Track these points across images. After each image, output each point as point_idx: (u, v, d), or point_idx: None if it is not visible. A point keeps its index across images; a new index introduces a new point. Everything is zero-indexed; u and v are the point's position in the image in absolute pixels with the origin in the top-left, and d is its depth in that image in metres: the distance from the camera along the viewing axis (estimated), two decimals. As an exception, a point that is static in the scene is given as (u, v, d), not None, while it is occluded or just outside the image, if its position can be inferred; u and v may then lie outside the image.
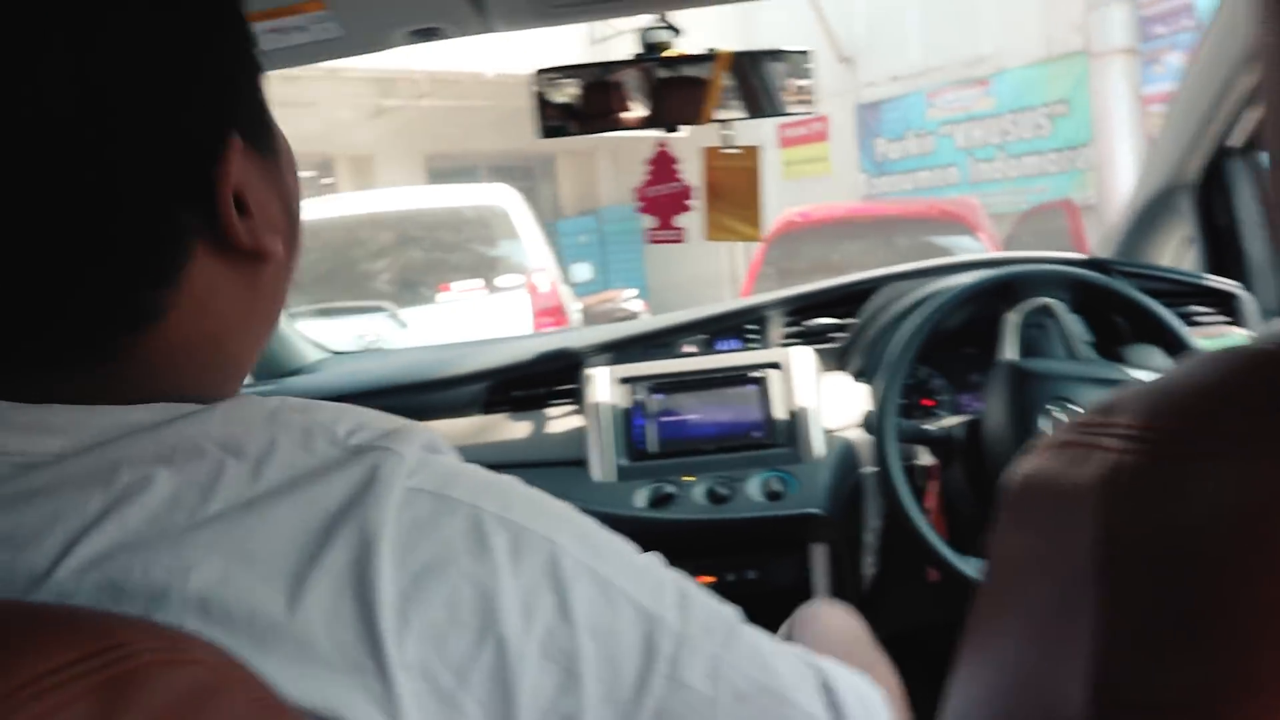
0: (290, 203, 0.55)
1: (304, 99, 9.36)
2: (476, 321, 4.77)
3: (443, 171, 11.28)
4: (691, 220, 1.42)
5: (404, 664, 0.42)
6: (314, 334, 2.11)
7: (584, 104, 1.46)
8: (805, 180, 10.02)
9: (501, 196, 5.58)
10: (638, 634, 0.48)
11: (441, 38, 1.26)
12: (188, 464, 0.43)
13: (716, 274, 10.38)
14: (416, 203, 5.83)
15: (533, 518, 0.48)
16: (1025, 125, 8.79)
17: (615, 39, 9.17)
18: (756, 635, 0.55)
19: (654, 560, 0.54)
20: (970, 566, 1.36)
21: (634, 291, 8.58)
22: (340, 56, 1.29)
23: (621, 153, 11.79)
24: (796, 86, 1.38)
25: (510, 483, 0.50)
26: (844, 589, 1.57)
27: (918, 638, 1.68)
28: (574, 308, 5.51)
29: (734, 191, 1.37)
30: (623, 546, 0.52)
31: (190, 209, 0.48)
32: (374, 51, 1.28)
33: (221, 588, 0.41)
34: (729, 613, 0.54)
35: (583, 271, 6.96)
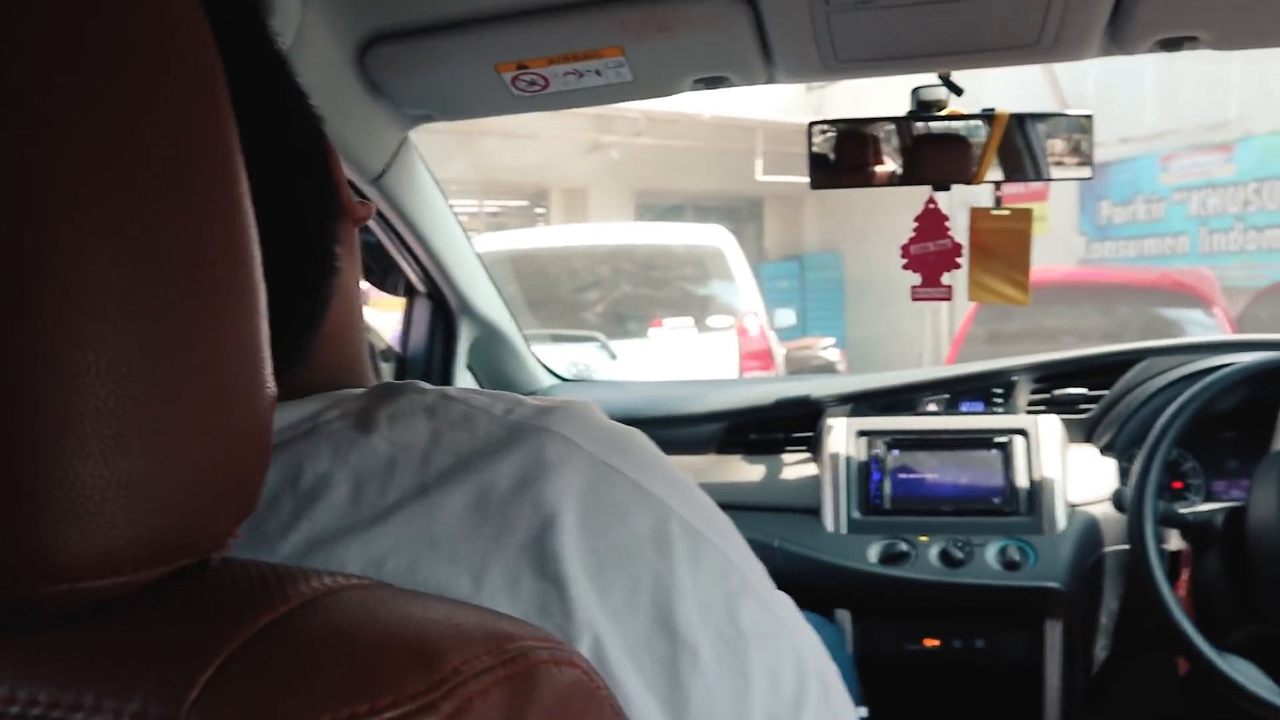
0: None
1: (526, 131, 9.72)
2: (685, 359, 4.83)
3: (651, 208, 11.50)
4: (953, 279, 1.40)
5: (580, 635, 0.43)
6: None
7: (840, 156, 1.47)
8: (1020, 240, 9.68)
9: (717, 237, 5.64)
10: (792, 660, 0.50)
11: (726, 86, 1.30)
12: (363, 461, 0.46)
13: (919, 332, 10.15)
14: (632, 238, 5.96)
15: (711, 527, 0.50)
16: (1271, 195, 8.23)
17: (830, 86, 9.14)
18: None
19: (789, 599, 0.55)
20: (1228, 663, 1.28)
21: (831, 340, 8.51)
22: (626, 100, 1.34)
23: (828, 201, 11.74)
24: (1073, 149, 1.36)
25: (689, 482, 0.52)
26: (1073, 669, 1.51)
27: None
28: (781, 353, 5.51)
29: (1002, 253, 1.35)
30: (768, 576, 0.54)
31: (329, 204, 0.55)
32: (658, 96, 1.33)
33: (411, 573, 0.43)
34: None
35: (786, 317, 6.94)
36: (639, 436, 0.52)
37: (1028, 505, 1.53)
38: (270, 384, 0.37)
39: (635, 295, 5.64)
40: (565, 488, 0.45)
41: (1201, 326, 5.73)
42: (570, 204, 11.30)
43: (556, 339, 4.72)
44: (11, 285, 0.28)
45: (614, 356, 4.72)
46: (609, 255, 5.69)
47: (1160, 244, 8.99)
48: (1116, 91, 8.85)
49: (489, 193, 11.14)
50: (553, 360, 2.22)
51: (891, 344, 9.95)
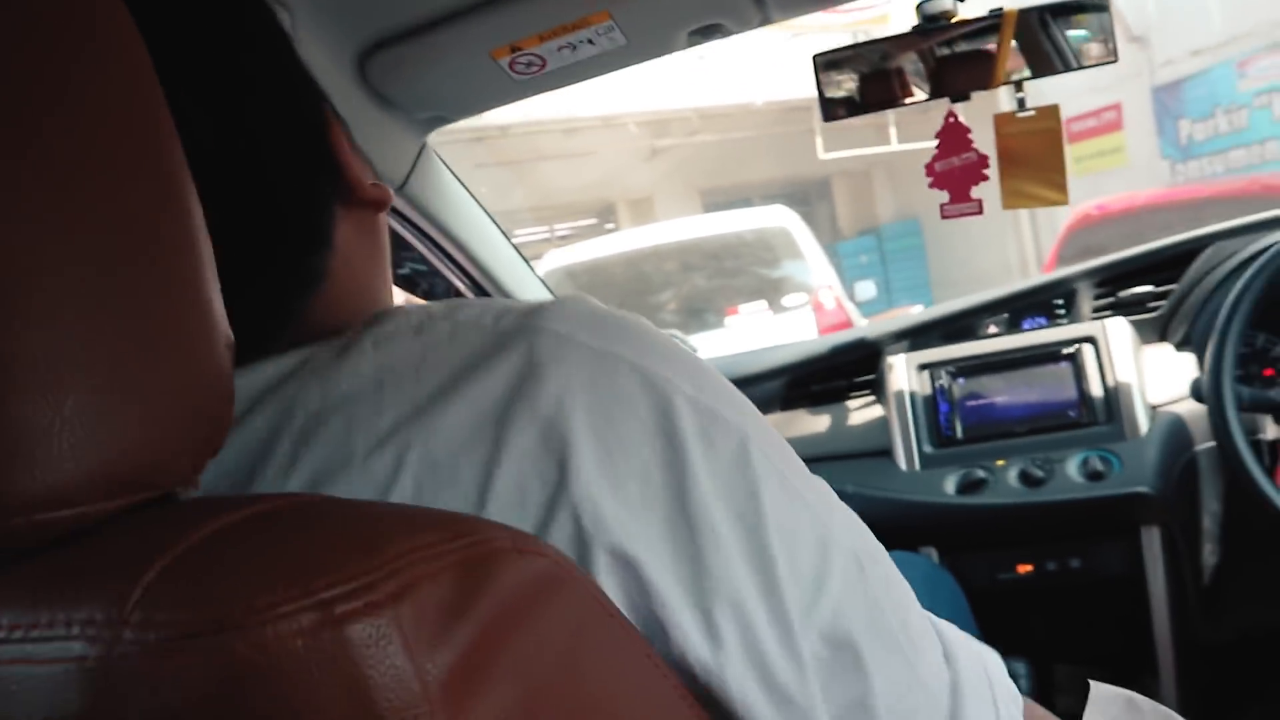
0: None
1: (583, 149, 9.82)
2: (763, 342, 4.79)
3: (719, 205, 11.47)
4: (988, 193, 1.36)
5: (596, 537, 0.42)
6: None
7: (864, 95, 1.44)
8: (1099, 175, 9.37)
9: (780, 217, 5.60)
10: (813, 536, 0.47)
11: (722, 35, 1.28)
12: (352, 389, 0.45)
13: (1007, 278, 9.92)
14: (697, 231, 5.94)
15: (727, 405, 0.47)
16: (1359, 86, 7.82)
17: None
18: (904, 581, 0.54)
19: (823, 482, 0.53)
20: None
21: (919, 307, 8.35)
22: (625, 66, 1.33)
23: (898, 169, 11.57)
24: (1096, 36, 1.31)
25: (700, 361, 0.49)
26: (1181, 579, 1.45)
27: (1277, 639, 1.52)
28: (861, 324, 5.43)
29: (1033, 156, 1.30)
30: (795, 455, 0.51)
31: (324, 178, 0.55)
32: (657, 57, 1.32)
33: (417, 499, 0.42)
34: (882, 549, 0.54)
35: (866, 290, 6.83)
36: (640, 320, 0.49)
37: (1105, 413, 1.47)
38: (224, 328, 0.38)
39: (707, 288, 5.62)
40: (564, 384, 0.44)
41: (1301, 229, 5.46)
42: (637, 213, 11.34)
43: (632, 342, 4.73)
44: None
45: (694, 350, 4.71)
46: (675, 252, 5.68)
47: (1248, 154, 8.60)
48: (1179, 4, 8.54)
49: (556, 217, 11.26)
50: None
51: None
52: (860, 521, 0.53)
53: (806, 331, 5.01)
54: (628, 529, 0.42)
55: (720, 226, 5.91)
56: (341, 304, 0.56)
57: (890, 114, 9.34)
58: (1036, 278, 1.69)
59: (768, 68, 8.60)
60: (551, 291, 1.96)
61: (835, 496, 0.52)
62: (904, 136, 9.91)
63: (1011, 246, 10.56)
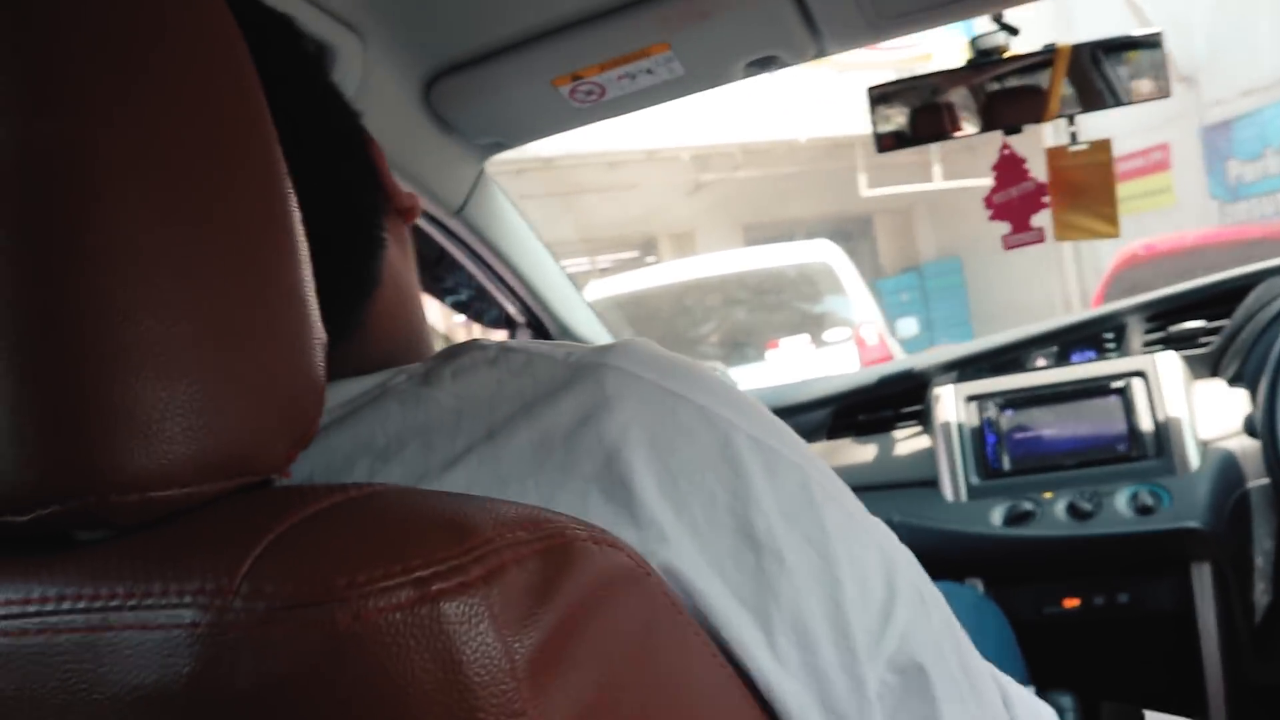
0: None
1: (626, 183, 9.87)
2: (804, 376, 4.80)
3: (761, 240, 11.46)
4: (1046, 221, 1.37)
5: (654, 552, 0.43)
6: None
7: (915, 128, 1.46)
8: (1146, 215, 9.30)
9: (824, 252, 5.61)
10: (881, 569, 0.49)
11: (778, 66, 1.30)
12: (431, 416, 0.47)
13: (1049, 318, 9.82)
14: (740, 265, 5.98)
15: (787, 447, 0.50)
16: None
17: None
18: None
19: (884, 523, 0.54)
20: None
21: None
22: (682, 95, 1.36)
23: (940, 206, 11.54)
24: (1148, 72, 1.32)
25: (760, 406, 0.52)
26: (1232, 617, 1.43)
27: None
28: (902, 359, 5.42)
29: (1085, 189, 1.32)
30: (854, 496, 0.53)
31: (372, 186, 0.59)
32: (714, 86, 1.34)
33: None
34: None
35: (908, 327, 6.81)
36: (702, 366, 0.52)
37: (1155, 448, 1.47)
38: (318, 326, 0.41)
39: (749, 321, 5.64)
40: (630, 417, 0.46)
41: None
42: (679, 247, 11.38)
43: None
44: (66, 238, 0.33)
45: (735, 383, 4.72)
46: (718, 285, 5.70)
47: (1297, 195, 8.51)
48: (1228, 42, 8.48)
49: (599, 249, 11.32)
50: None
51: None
52: (918, 563, 0.54)
53: (848, 366, 5.00)
54: (688, 552, 0.44)
55: (764, 261, 5.93)
56: (392, 311, 0.59)
57: (934, 152, 9.35)
58: (1086, 311, 1.69)
59: (812, 104, 8.64)
60: (600, 318, 1.99)
61: (895, 537, 0.54)
62: (947, 174, 9.91)
63: (1054, 284, 10.48)
